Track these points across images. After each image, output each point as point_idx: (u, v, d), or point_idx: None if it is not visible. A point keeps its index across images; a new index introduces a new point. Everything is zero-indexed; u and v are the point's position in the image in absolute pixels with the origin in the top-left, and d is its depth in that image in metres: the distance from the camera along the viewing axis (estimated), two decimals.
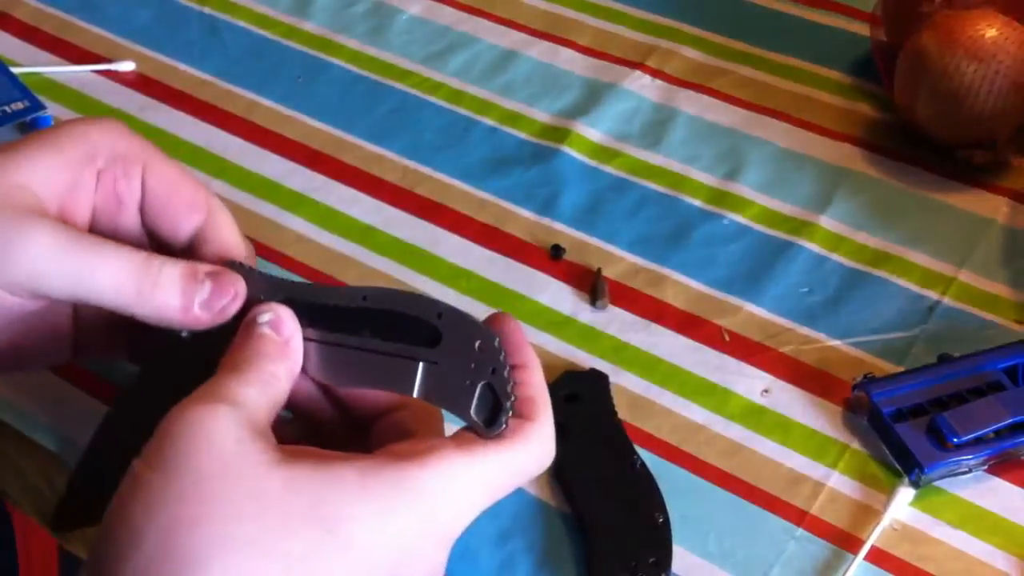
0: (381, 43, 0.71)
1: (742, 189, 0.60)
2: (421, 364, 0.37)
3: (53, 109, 0.64)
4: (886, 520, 0.46)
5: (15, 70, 0.66)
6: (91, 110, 0.66)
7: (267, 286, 0.40)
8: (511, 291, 0.55)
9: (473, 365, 0.37)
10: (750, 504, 0.47)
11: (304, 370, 0.39)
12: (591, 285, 0.55)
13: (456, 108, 0.66)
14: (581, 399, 0.49)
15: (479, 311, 0.54)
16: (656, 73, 0.68)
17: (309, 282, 0.48)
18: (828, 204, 0.59)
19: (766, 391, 0.51)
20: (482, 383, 0.37)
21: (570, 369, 0.51)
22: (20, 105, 0.63)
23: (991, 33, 0.57)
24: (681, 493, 0.47)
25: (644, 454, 0.48)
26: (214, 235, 0.41)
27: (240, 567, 0.31)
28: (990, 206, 0.59)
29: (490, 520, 0.46)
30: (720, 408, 0.50)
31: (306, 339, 0.39)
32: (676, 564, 0.44)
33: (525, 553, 0.45)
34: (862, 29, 0.69)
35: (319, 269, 0.56)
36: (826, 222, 0.58)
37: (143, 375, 0.42)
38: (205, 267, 0.39)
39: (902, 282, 0.55)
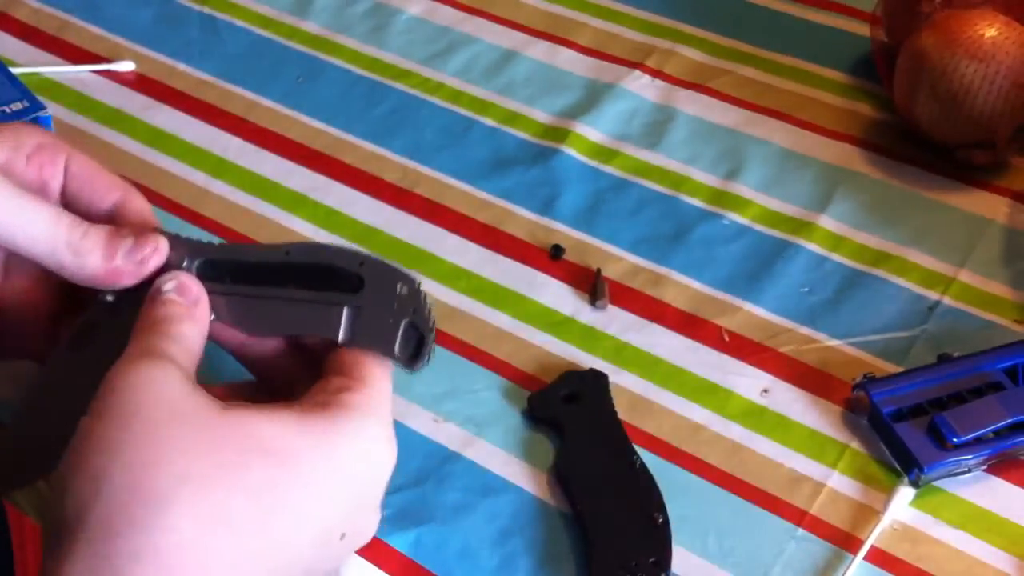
0: (381, 43, 0.71)
1: (742, 189, 0.60)
2: (346, 309, 0.39)
3: (53, 109, 0.64)
4: (886, 520, 0.46)
5: (15, 70, 0.66)
6: (91, 110, 0.66)
7: (189, 249, 0.41)
8: (511, 291, 0.55)
9: (396, 306, 0.39)
10: (750, 504, 0.47)
11: (246, 328, 0.42)
12: (591, 285, 0.55)
13: (456, 108, 0.66)
14: (581, 399, 0.49)
15: (479, 311, 0.54)
16: (656, 73, 0.68)
17: (232, 243, 0.50)
18: (828, 204, 0.59)
19: (766, 391, 0.51)
20: (405, 321, 0.39)
21: (570, 369, 0.51)
22: (20, 105, 0.63)
23: (991, 33, 0.57)
24: (681, 493, 0.47)
25: (644, 454, 0.48)
26: (131, 211, 0.44)
27: (204, 501, 0.33)
28: (990, 206, 0.59)
29: (490, 520, 0.46)
30: (720, 408, 0.50)
31: (232, 295, 0.41)
32: (676, 564, 0.44)
33: (525, 553, 0.45)
34: (862, 29, 0.69)
35: None
36: (826, 222, 0.58)
37: (71, 342, 0.42)
38: (126, 228, 0.42)
39: (902, 282, 0.55)
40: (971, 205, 0.59)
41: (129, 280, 0.41)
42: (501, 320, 0.54)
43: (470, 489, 0.47)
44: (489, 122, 0.65)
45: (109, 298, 0.41)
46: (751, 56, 0.69)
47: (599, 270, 0.56)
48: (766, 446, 0.49)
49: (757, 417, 0.50)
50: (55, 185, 0.44)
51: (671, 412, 0.50)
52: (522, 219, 0.59)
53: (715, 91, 0.67)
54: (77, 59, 0.70)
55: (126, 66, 0.69)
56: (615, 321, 0.54)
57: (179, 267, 0.41)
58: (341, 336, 0.39)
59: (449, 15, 0.73)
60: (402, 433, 0.50)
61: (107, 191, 0.44)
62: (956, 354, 0.50)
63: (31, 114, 0.62)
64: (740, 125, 0.64)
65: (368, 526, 0.39)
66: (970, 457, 0.46)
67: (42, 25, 0.73)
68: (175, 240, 0.42)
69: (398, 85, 0.68)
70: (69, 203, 0.44)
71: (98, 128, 0.65)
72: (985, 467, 0.47)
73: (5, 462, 0.42)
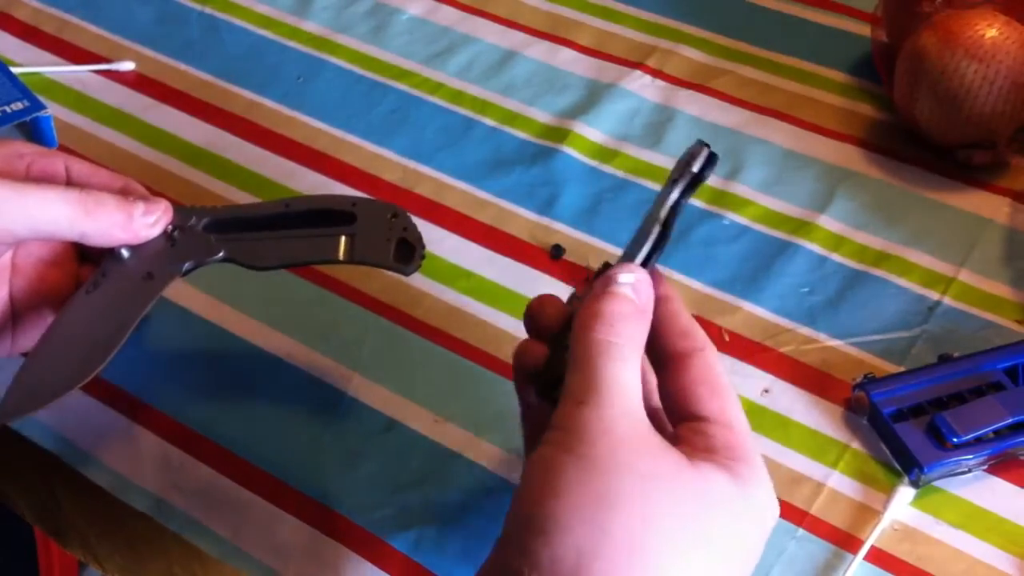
0: (381, 43, 0.71)
1: (742, 189, 0.60)
2: (343, 237, 0.47)
3: (53, 109, 0.64)
4: (886, 520, 0.46)
5: (15, 70, 0.66)
6: (91, 110, 0.66)
7: (194, 212, 0.48)
8: (511, 291, 0.55)
9: (387, 228, 0.47)
10: None
11: (251, 263, 0.47)
12: (592, 285, 0.55)
13: (456, 108, 0.66)
14: None
15: (479, 311, 0.54)
16: (656, 73, 0.68)
17: (233, 204, 0.54)
18: (828, 204, 0.59)
19: (766, 391, 0.51)
20: (397, 238, 0.47)
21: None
22: (20, 105, 0.63)
23: (991, 33, 0.57)
24: None
25: None
26: (135, 193, 0.48)
27: (686, 564, 0.33)
28: (990, 206, 0.59)
29: (490, 520, 0.46)
30: None
31: (241, 240, 0.47)
32: None
33: None
34: (862, 29, 0.69)
35: (319, 268, 0.56)
36: (826, 222, 0.58)
37: (85, 289, 0.47)
38: (133, 195, 0.47)
39: (902, 282, 0.55)
40: (971, 205, 0.59)
41: (144, 237, 0.46)
42: (501, 320, 0.54)
43: (470, 489, 0.47)
44: (489, 122, 0.65)
45: (125, 253, 0.47)
46: (751, 56, 0.69)
47: (600, 270, 0.56)
48: (766, 446, 0.49)
49: (757, 417, 0.50)
50: (58, 182, 0.48)
51: None
52: (522, 219, 0.59)
53: (715, 91, 0.67)
54: (77, 59, 0.70)
55: (126, 66, 0.69)
56: None
57: (187, 226, 0.48)
58: (341, 256, 0.47)
59: (449, 15, 0.73)
60: (402, 433, 0.50)
61: (108, 184, 0.48)
62: (956, 354, 0.50)
63: (31, 114, 0.62)
64: (740, 125, 0.64)
65: None
66: (970, 457, 0.46)
67: (42, 25, 0.73)
68: (179, 206, 0.48)
69: (398, 85, 0.68)
70: None
71: (98, 128, 0.65)
72: (985, 467, 0.47)
73: (18, 391, 0.46)
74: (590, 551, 0.32)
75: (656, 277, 0.39)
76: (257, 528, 0.47)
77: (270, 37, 0.71)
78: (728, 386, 0.37)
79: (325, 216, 0.47)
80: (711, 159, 0.39)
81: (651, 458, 0.33)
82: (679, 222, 0.58)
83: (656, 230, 0.39)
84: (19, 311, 0.48)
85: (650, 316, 0.38)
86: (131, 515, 0.49)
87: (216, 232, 0.48)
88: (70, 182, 0.48)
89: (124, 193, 0.47)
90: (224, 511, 0.48)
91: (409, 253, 0.47)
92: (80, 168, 0.49)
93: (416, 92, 0.67)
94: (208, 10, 0.73)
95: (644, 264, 0.39)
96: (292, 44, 0.71)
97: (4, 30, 0.73)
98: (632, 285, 0.37)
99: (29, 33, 0.72)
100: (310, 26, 0.72)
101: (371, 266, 0.47)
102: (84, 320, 0.46)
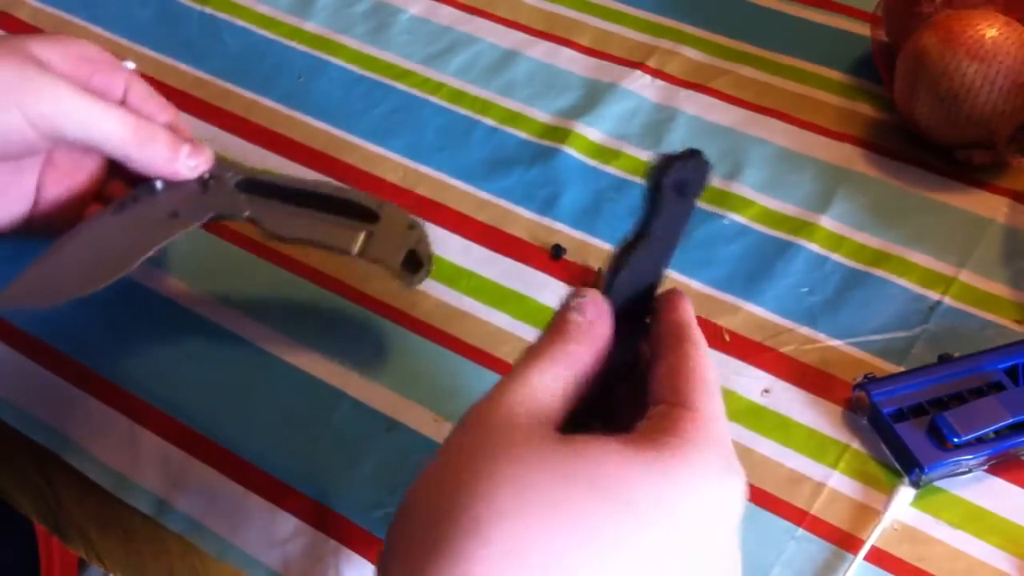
0: (381, 43, 0.71)
1: (742, 189, 0.60)
2: (363, 232, 0.49)
3: None
4: (886, 520, 0.46)
5: None
6: None
7: (229, 168, 0.51)
8: (511, 291, 0.55)
9: (403, 237, 0.49)
10: (750, 504, 0.47)
11: (271, 229, 0.49)
12: (591, 285, 0.55)
13: (456, 108, 0.66)
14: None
15: (479, 311, 0.54)
16: (656, 73, 0.68)
17: (269, 171, 0.57)
18: (828, 204, 0.59)
19: (766, 391, 0.51)
20: (409, 248, 0.48)
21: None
22: None
23: (991, 33, 0.57)
24: None
25: None
26: (180, 129, 0.52)
27: (517, 537, 0.29)
28: (990, 206, 0.59)
29: None
30: None
31: (268, 201, 0.50)
32: None
33: None
34: (862, 29, 0.69)
35: (319, 268, 0.56)
36: (826, 222, 0.58)
37: (114, 208, 0.50)
38: (182, 136, 0.51)
39: (902, 282, 0.55)
40: (971, 205, 0.59)
41: (182, 176, 0.50)
42: (502, 320, 0.54)
43: None
44: (490, 122, 0.65)
45: (159, 186, 0.50)
46: (751, 56, 0.69)
47: (600, 270, 0.56)
48: (766, 446, 0.49)
49: (757, 417, 0.50)
50: (115, 97, 0.51)
51: None
52: (523, 219, 0.59)
53: (715, 91, 0.67)
54: None
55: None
56: None
57: (222, 177, 0.51)
58: (355, 249, 0.49)
59: (449, 15, 0.73)
60: (402, 433, 0.50)
61: (160, 112, 0.52)
62: (956, 354, 0.50)
63: None
64: (740, 125, 0.64)
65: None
66: (970, 457, 0.46)
67: (43, 25, 0.73)
68: (219, 158, 0.51)
69: (399, 85, 0.68)
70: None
71: None
72: (985, 467, 0.47)
73: (25, 284, 0.48)
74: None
75: (668, 295, 0.38)
76: (257, 528, 0.47)
77: (270, 37, 0.71)
78: (703, 376, 0.35)
79: (350, 207, 0.50)
80: (695, 167, 0.37)
81: (523, 441, 0.31)
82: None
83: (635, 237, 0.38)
84: (42, 201, 0.51)
85: (594, 332, 0.36)
86: (132, 514, 0.49)
87: (246, 191, 0.50)
88: (126, 100, 0.51)
89: (172, 126, 0.51)
90: (224, 511, 0.48)
91: (416, 266, 0.48)
92: (139, 89, 0.52)
93: (416, 92, 0.67)
94: (208, 10, 0.73)
95: (617, 271, 0.38)
96: (292, 44, 0.71)
97: (5, 30, 0.73)
98: (576, 306, 0.36)
99: (30, 32, 0.72)
100: (310, 26, 0.72)
101: (379, 266, 0.48)
102: (105, 236, 0.49)
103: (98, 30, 0.72)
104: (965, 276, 0.55)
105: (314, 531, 0.47)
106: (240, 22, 0.73)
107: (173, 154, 0.49)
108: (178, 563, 0.49)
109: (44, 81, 0.47)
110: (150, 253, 0.48)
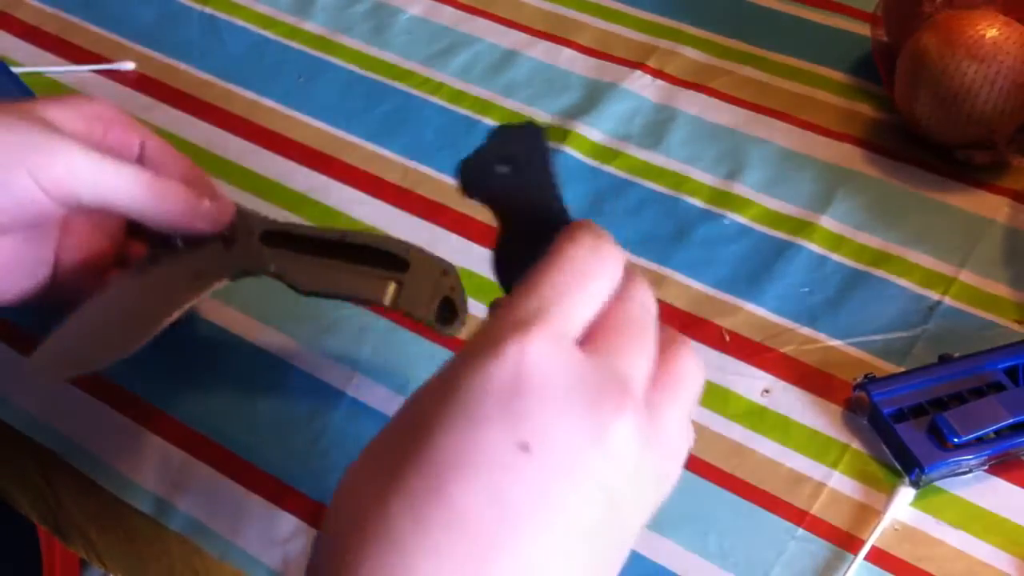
0: (382, 43, 0.71)
1: (742, 189, 0.60)
2: (393, 282, 0.46)
3: None
4: (886, 520, 0.46)
5: (16, 70, 0.66)
6: None
7: (253, 220, 0.48)
8: None
9: (435, 285, 0.46)
10: (750, 504, 0.47)
11: (298, 283, 0.47)
12: None
13: (457, 108, 0.66)
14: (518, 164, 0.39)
15: (481, 311, 0.54)
16: (657, 73, 0.68)
17: (291, 222, 0.51)
18: (828, 204, 0.59)
19: (767, 391, 0.51)
20: (442, 296, 0.46)
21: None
22: None
23: (991, 33, 0.57)
24: (681, 493, 0.46)
25: None
26: (201, 183, 0.49)
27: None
28: (990, 206, 0.59)
29: None
30: (721, 408, 0.50)
31: (296, 255, 0.47)
32: (676, 564, 0.44)
33: None
34: (862, 29, 0.69)
35: None
36: (826, 222, 0.58)
37: (135, 269, 0.49)
38: (199, 190, 0.48)
39: (903, 282, 0.55)
40: (971, 205, 0.59)
41: (202, 230, 0.47)
42: None
43: None
44: (490, 122, 0.65)
45: (179, 243, 0.48)
46: (751, 56, 0.69)
47: None
48: (767, 446, 0.49)
49: (758, 417, 0.50)
50: (130, 155, 0.49)
51: None
52: None
53: (715, 91, 0.67)
54: (78, 59, 0.70)
55: (127, 66, 0.69)
56: None
57: (245, 231, 0.48)
58: (387, 301, 0.46)
59: (450, 15, 0.73)
60: None
61: (176, 166, 0.50)
62: (957, 354, 0.50)
63: None
64: (740, 125, 0.64)
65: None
66: (971, 457, 0.46)
67: (44, 25, 0.73)
68: (241, 209, 0.49)
69: (399, 85, 0.68)
70: None
71: None
72: (986, 467, 0.47)
73: (47, 354, 0.47)
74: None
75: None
76: (257, 528, 0.47)
77: (270, 37, 0.71)
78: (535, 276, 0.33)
79: (379, 256, 0.47)
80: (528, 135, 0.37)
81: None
82: (678, 223, 0.58)
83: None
84: (60, 270, 0.49)
85: None
86: (132, 514, 0.49)
87: (270, 244, 0.48)
88: (142, 157, 0.49)
89: (192, 180, 0.48)
90: (224, 511, 0.48)
91: (451, 315, 0.46)
92: (154, 146, 0.50)
93: (416, 92, 0.67)
94: (208, 10, 0.73)
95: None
96: (292, 44, 0.71)
97: (6, 30, 0.73)
98: None
99: (30, 33, 0.72)
100: (310, 26, 0.72)
101: (411, 317, 0.46)
102: (127, 301, 0.48)
103: (99, 30, 0.72)
104: (965, 276, 0.55)
105: (314, 531, 0.47)
106: (240, 22, 0.73)
107: (191, 208, 0.47)
108: (178, 563, 0.49)
109: (55, 144, 0.44)
110: (175, 316, 0.47)
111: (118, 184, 0.45)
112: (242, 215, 0.48)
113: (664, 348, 0.34)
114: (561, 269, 0.33)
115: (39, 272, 0.48)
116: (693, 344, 0.52)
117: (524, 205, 0.37)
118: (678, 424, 0.34)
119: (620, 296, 0.34)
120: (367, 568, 0.29)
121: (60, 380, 0.49)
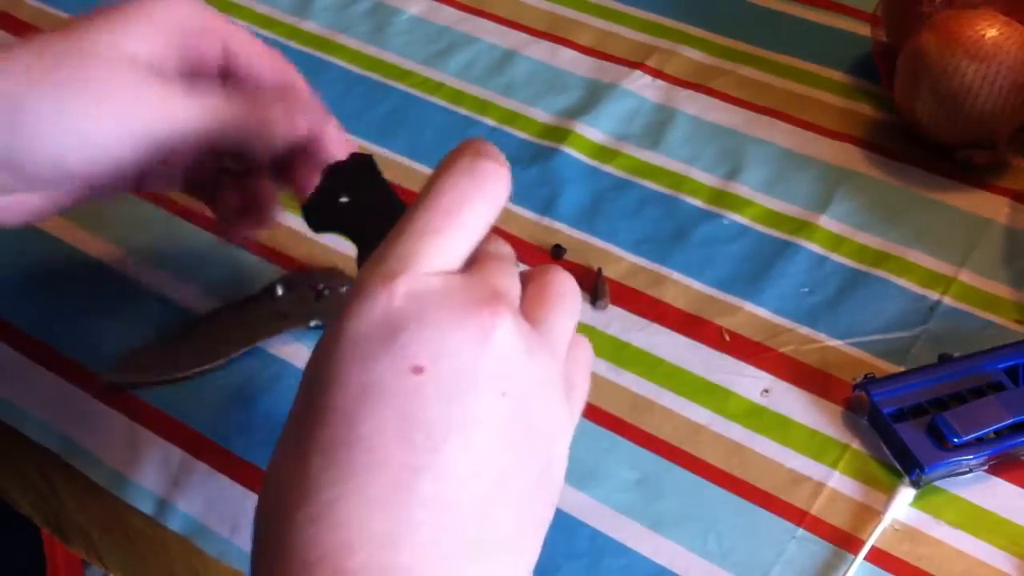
0: (381, 43, 0.71)
1: (742, 189, 0.60)
2: None
3: None
4: (886, 520, 0.46)
5: None
6: None
7: (347, 278, 0.52)
8: None
9: None
10: (750, 504, 0.47)
11: None
12: (591, 285, 0.55)
13: (456, 108, 0.66)
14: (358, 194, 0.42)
15: None
16: (656, 73, 0.68)
17: None
18: (828, 204, 0.59)
19: (766, 391, 0.51)
20: None
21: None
22: None
23: (991, 33, 0.57)
24: (681, 493, 0.47)
25: (644, 454, 0.48)
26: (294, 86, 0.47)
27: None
28: (990, 206, 0.59)
29: None
30: (720, 408, 0.50)
31: None
32: (676, 564, 0.44)
33: None
34: (862, 29, 0.69)
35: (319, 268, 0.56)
36: (826, 222, 0.58)
37: (225, 309, 0.53)
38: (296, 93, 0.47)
39: (902, 282, 0.55)
40: (971, 205, 0.59)
41: (275, 146, 0.45)
42: None
43: None
44: (489, 122, 0.65)
45: (279, 291, 0.53)
46: (751, 56, 0.69)
47: (600, 270, 0.56)
48: (766, 446, 0.49)
49: (757, 417, 0.50)
50: (212, 70, 0.46)
51: (671, 412, 0.50)
52: (522, 219, 0.59)
53: (715, 91, 0.67)
54: None
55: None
56: (615, 321, 0.54)
57: (336, 288, 0.53)
58: None
59: (449, 15, 0.73)
60: None
61: (268, 68, 0.47)
62: (957, 354, 0.50)
63: None
64: (740, 125, 0.64)
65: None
66: (971, 457, 0.46)
67: (43, 25, 0.73)
68: (338, 270, 0.54)
69: (398, 85, 0.68)
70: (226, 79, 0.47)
71: None
72: (986, 467, 0.47)
73: (130, 363, 0.51)
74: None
75: None
76: None
77: (270, 37, 0.71)
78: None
79: None
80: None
81: None
82: (677, 222, 0.58)
83: None
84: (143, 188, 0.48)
85: None
86: (132, 514, 0.49)
87: None
88: (225, 62, 0.47)
89: (287, 86, 0.47)
90: (225, 511, 0.48)
91: None
92: (239, 44, 0.47)
93: (416, 92, 0.67)
94: None
95: None
96: (292, 44, 0.71)
97: (5, 30, 0.73)
98: None
99: (30, 33, 0.72)
100: (310, 26, 0.72)
101: None
102: (215, 329, 0.52)
103: None
104: (965, 276, 0.55)
105: None
106: (240, 22, 0.72)
107: (293, 126, 0.45)
108: (178, 563, 0.48)
109: (152, 95, 0.42)
110: (251, 346, 0.51)
111: (213, 126, 0.43)
112: (338, 275, 0.53)
113: (533, 274, 0.36)
114: (428, 207, 0.34)
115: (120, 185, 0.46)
116: (692, 343, 0.53)
117: (373, 221, 0.38)
118: (563, 333, 0.35)
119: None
120: (298, 526, 0.30)
121: (135, 387, 0.51)
